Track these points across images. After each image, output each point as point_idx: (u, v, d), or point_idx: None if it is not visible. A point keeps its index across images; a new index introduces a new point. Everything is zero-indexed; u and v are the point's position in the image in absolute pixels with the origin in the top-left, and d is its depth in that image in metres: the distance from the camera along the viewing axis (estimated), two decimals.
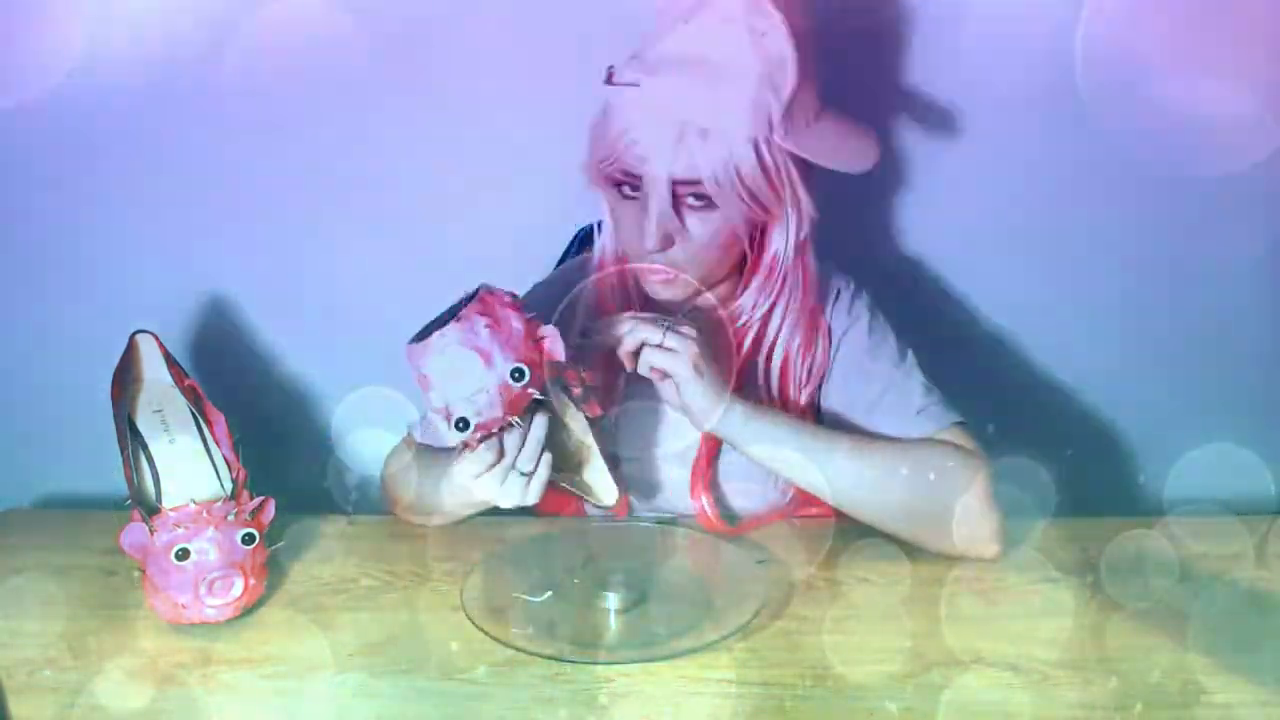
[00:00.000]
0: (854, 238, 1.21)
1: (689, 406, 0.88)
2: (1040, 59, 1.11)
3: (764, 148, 0.86)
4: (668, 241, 0.89)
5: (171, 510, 0.85)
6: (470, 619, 0.81)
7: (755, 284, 0.95)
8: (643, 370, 0.88)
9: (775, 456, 0.90)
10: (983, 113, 1.15)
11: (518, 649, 0.78)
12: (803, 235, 0.92)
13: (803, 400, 0.98)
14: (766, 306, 0.95)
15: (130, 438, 0.93)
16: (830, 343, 0.98)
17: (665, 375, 0.88)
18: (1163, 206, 1.18)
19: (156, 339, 0.98)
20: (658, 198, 0.87)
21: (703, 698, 0.74)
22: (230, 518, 0.84)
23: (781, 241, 0.92)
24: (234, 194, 1.19)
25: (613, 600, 0.84)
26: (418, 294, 1.10)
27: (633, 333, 0.88)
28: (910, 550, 0.91)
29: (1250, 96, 1.09)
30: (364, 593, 0.89)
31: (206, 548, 0.82)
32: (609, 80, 0.89)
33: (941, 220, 1.20)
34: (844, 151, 0.91)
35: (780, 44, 0.85)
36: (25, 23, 1.13)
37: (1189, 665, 0.75)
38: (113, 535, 0.83)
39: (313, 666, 0.78)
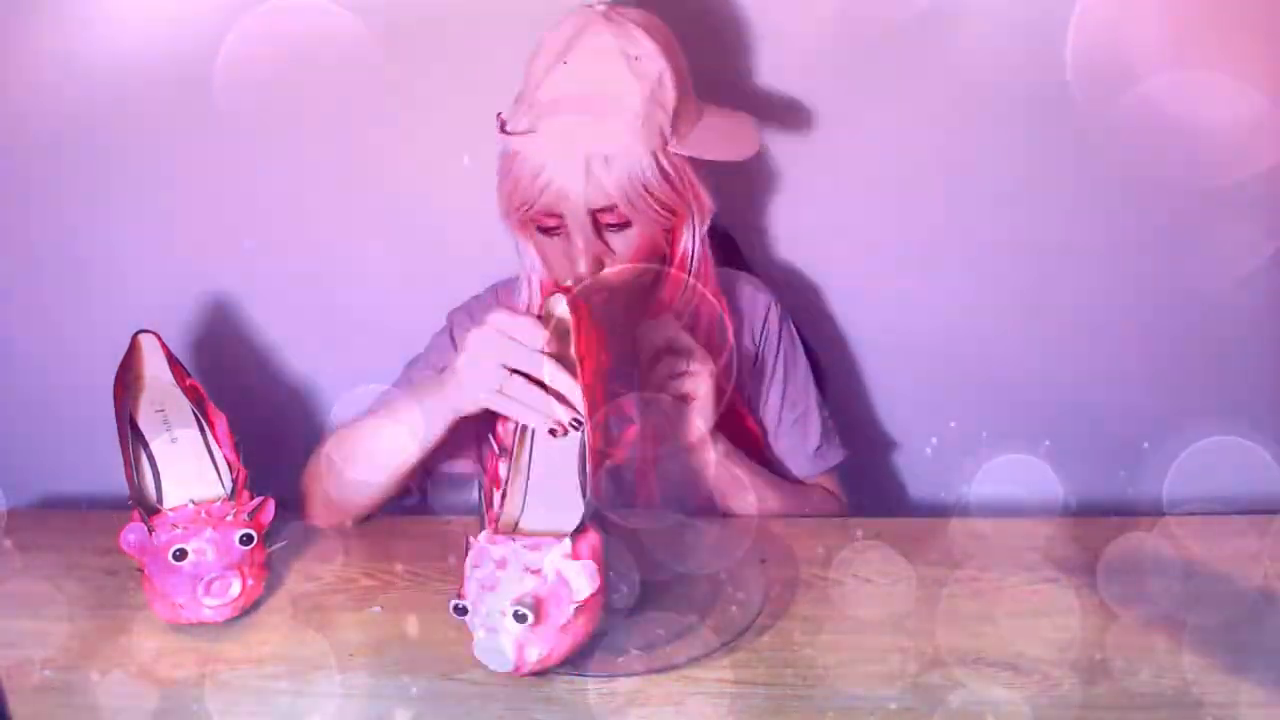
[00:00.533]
0: (840, 236, 1.22)
1: (695, 424, 0.96)
2: (1027, 59, 1.11)
3: (662, 158, 0.92)
4: (598, 265, 0.95)
5: (170, 510, 0.85)
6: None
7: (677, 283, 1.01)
8: (669, 391, 0.95)
9: (730, 488, 1.00)
10: (980, 111, 1.15)
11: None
12: (704, 229, 0.99)
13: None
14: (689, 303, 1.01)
15: (131, 437, 0.93)
16: (733, 340, 1.05)
17: (686, 398, 0.96)
18: (1162, 209, 1.18)
19: (159, 338, 0.98)
20: (580, 229, 0.93)
21: (703, 698, 0.74)
22: (229, 518, 0.84)
23: (689, 238, 0.99)
24: (235, 194, 1.19)
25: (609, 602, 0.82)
26: (417, 293, 1.11)
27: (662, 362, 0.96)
28: (910, 551, 0.91)
29: (1246, 99, 1.09)
30: (364, 593, 0.88)
31: (204, 548, 0.82)
32: (502, 129, 0.95)
33: (942, 220, 1.20)
34: (731, 142, 0.97)
35: (656, 63, 0.91)
36: (28, 24, 1.13)
37: (1189, 665, 0.75)
38: (113, 535, 0.84)
39: (313, 666, 0.78)
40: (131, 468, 0.91)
